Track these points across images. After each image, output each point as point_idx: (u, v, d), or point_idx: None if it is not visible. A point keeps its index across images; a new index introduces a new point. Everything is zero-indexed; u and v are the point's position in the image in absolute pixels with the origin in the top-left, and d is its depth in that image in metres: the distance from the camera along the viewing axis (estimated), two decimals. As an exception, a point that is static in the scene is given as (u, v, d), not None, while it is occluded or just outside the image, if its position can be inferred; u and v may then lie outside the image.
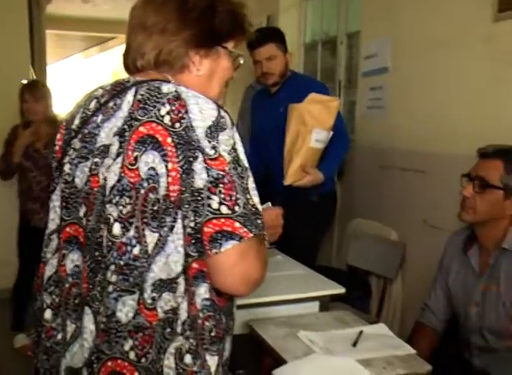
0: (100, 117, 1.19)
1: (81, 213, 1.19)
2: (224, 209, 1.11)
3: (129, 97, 1.16)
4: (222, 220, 1.11)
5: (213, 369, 1.21)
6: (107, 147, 1.15)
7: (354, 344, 1.79)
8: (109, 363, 1.11)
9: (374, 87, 3.53)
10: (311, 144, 2.77)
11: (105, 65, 10.85)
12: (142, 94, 1.15)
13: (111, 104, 1.19)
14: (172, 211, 1.11)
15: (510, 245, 1.96)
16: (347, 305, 2.88)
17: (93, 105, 1.23)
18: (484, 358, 2.08)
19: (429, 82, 3.03)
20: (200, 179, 1.11)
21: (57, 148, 1.29)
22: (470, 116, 2.74)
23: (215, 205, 1.11)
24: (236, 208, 1.12)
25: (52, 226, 1.26)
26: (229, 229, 1.11)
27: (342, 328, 1.94)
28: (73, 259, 1.20)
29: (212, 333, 1.21)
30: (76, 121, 1.24)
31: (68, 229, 1.21)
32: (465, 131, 2.74)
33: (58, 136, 1.29)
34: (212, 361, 1.21)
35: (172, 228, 1.12)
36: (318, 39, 4.79)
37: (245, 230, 1.12)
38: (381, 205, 3.46)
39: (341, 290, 2.19)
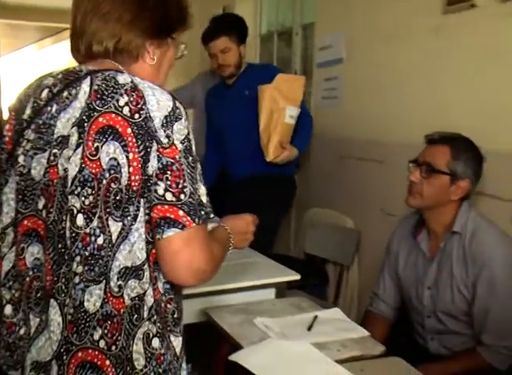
0: (54, 107, 1.18)
1: (40, 205, 1.17)
2: (169, 196, 1.13)
3: (85, 87, 1.16)
4: (166, 207, 1.13)
5: (178, 349, 1.26)
6: (65, 138, 1.14)
7: (309, 329, 1.83)
8: (79, 354, 1.12)
9: (329, 77, 3.57)
10: (285, 120, 2.99)
11: (60, 56, 10.65)
12: (98, 85, 1.15)
13: (65, 94, 1.18)
14: (134, 200, 1.13)
15: (460, 228, 2.02)
16: (305, 292, 2.92)
17: (45, 94, 1.21)
18: (438, 341, 2.14)
19: (382, 73, 3.09)
20: (152, 166, 1.13)
21: (7, 139, 1.26)
22: (421, 105, 2.80)
23: (160, 192, 1.13)
24: (182, 196, 1.14)
25: (7, 220, 1.23)
26: (172, 216, 1.13)
27: (297, 314, 1.97)
28: (33, 252, 1.19)
29: (175, 316, 1.26)
30: (28, 111, 1.22)
31: (26, 222, 1.19)
32: (418, 121, 2.80)
33: (8, 126, 1.27)
34: (177, 342, 1.26)
35: (135, 217, 1.14)
36: (274, 30, 4.81)
37: (188, 218, 1.14)
38: (338, 194, 3.51)
39: (296, 276, 2.22)
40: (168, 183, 1.13)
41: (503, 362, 1.95)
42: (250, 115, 3.07)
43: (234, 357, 1.63)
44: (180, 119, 1.17)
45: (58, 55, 10.83)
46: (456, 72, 2.60)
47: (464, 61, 2.55)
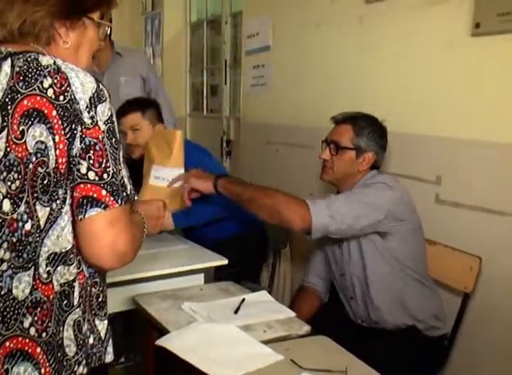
0: None
1: None
2: (91, 175, 1.12)
3: (7, 68, 1.11)
4: (89, 186, 1.12)
5: (103, 333, 1.26)
6: None
7: (236, 312, 1.85)
8: (7, 343, 1.10)
9: (257, 65, 3.59)
10: (150, 181, 2.55)
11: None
12: (20, 66, 1.11)
13: None
14: (62, 183, 1.12)
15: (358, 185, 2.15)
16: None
17: None
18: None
19: (309, 60, 3.13)
20: (75, 147, 1.12)
21: None
22: (348, 91, 2.86)
23: (83, 170, 1.12)
24: (105, 175, 1.13)
25: None
26: (95, 195, 1.12)
27: (225, 298, 1.99)
28: None
29: (99, 299, 1.25)
30: None
31: None
32: (345, 106, 2.84)
33: None
34: (102, 325, 1.26)
35: (64, 200, 1.12)
36: (204, 18, 4.80)
37: (111, 199, 1.13)
38: (268, 180, 3.51)
39: (224, 261, 2.24)
40: (91, 162, 1.12)
41: (320, 216, 2.00)
42: None
43: (161, 341, 1.63)
44: (104, 100, 1.15)
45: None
46: (379, 59, 2.66)
47: (386, 49, 2.61)
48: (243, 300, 1.93)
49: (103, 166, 1.13)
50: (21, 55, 1.14)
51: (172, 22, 4.96)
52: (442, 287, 2.28)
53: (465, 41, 2.21)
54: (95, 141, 1.13)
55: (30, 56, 1.13)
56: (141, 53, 3.72)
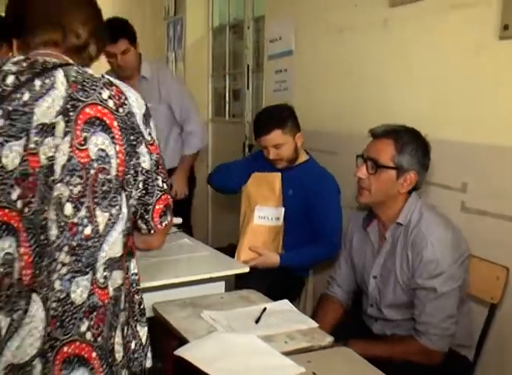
0: (27, 95, 1.14)
1: (14, 196, 1.11)
2: (165, 186, 1.29)
3: (61, 77, 1.16)
4: (165, 196, 1.30)
5: (144, 338, 1.33)
6: (49, 126, 1.12)
7: (257, 321, 1.81)
8: (65, 349, 1.12)
9: (279, 69, 3.56)
10: (255, 221, 2.66)
11: None
12: (75, 76, 1.17)
13: (38, 82, 1.15)
14: (121, 190, 1.19)
15: (403, 220, 2.02)
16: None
17: (11, 80, 1.16)
18: (380, 325, 2.17)
19: (332, 64, 3.09)
20: (147, 161, 1.24)
21: None
22: (371, 96, 2.82)
23: (160, 184, 1.27)
24: (167, 186, 1.30)
25: None
26: (170, 203, 1.33)
27: (246, 306, 1.95)
28: (4, 247, 1.11)
29: (141, 306, 1.34)
30: None
31: None
32: (369, 112, 2.81)
33: None
34: (143, 331, 1.33)
35: (121, 207, 1.19)
36: (226, 23, 4.78)
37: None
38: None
39: (245, 269, 2.21)
40: (162, 175, 1.28)
41: (442, 344, 1.96)
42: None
43: (179, 351, 1.59)
44: (151, 117, 1.28)
45: None
46: (403, 64, 2.61)
47: (411, 53, 2.56)
48: (265, 309, 1.89)
49: (166, 176, 1.31)
50: (70, 66, 1.20)
51: (195, 27, 4.94)
52: (467, 297, 2.22)
53: (493, 43, 2.14)
54: (158, 156, 1.28)
55: (78, 68, 1.20)
56: (169, 78, 3.50)
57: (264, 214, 2.66)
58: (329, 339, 1.73)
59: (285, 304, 1.99)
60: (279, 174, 2.72)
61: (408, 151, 1.98)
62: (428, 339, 1.94)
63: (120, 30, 3.18)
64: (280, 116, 2.72)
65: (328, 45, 3.10)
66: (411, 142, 2.00)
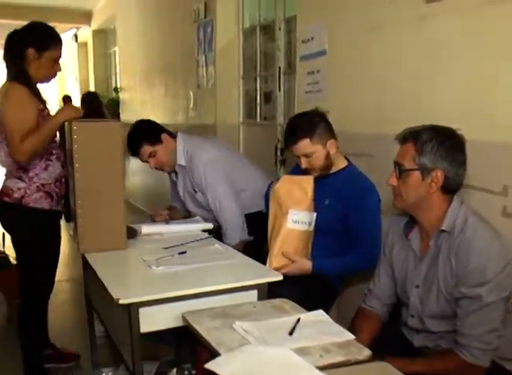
0: None
1: None
2: None
3: None
4: None
5: None
6: None
7: (291, 333, 1.73)
8: None
9: (312, 70, 3.48)
10: (288, 225, 2.54)
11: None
12: None
13: None
14: None
15: (448, 227, 1.93)
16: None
17: None
18: (421, 338, 2.08)
19: (366, 63, 3.01)
20: None
21: None
22: (406, 96, 2.72)
23: None
24: None
25: None
26: None
27: (280, 316, 1.88)
28: None
29: None
30: None
31: None
32: (406, 112, 2.71)
33: None
34: None
35: None
36: (257, 24, 4.72)
37: None
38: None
39: (279, 277, 2.14)
40: None
41: (484, 358, 1.86)
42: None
43: (210, 365, 1.53)
44: None
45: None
46: (440, 62, 2.51)
47: (449, 51, 2.46)
48: (299, 320, 1.82)
49: None
50: None
51: (225, 29, 4.90)
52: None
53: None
54: None
55: None
56: (196, 173, 3.20)
57: (298, 218, 2.55)
58: (367, 353, 1.64)
59: (320, 314, 1.91)
60: (312, 177, 2.62)
61: (429, 150, 1.91)
62: (469, 353, 1.85)
63: (136, 140, 3.18)
64: (308, 124, 2.63)
65: (362, 44, 3.01)
66: (431, 139, 1.91)
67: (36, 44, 2.76)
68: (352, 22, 3.09)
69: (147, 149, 3.16)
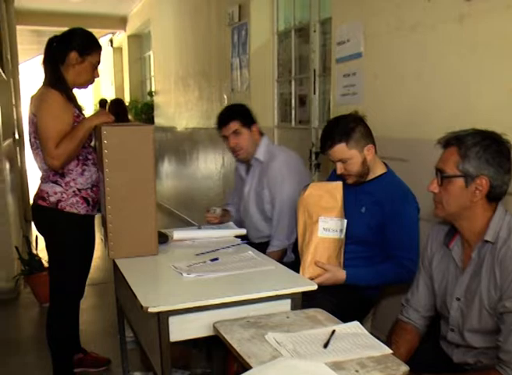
0: None
1: None
2: None
3: None
4: None
5: None
6: None
7: (325, 346, 1.66)
8: None
9: (347, 73, 3.40)
10: (319, 234, 2.46)
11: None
12: None
13: None
14: None
15: (492, 237, 1.82)
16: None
17: None
18: (461, 353, 1.98)
19: (404, 65, 2.92)
20: None
21: None
22: (446, 98, 2.63)
23: None
24: None
25: None
26: None
27: (314, 327, 1.81)
28: None
29: None
30: None
31: None
32: (446, 116, 2.62)
33: None
34: None
35: None
36: (291, 27, 4.66)
37: None
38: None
39: (313, 286, 2.07)
40: None
41: None
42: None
43: (241, 379, 1.48)
44: None
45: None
46: (481, 63, 2.41)
47: (490, 51, 2.36)
48: (334, 332, 1.74)
49: None
50: None
51: (259, 31, 4.85)
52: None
53: None
54: None
55: None
56: (272, 178, 3.16)
57: (329, 226, 2.46)
58: (405, 368, 1.56)
59: (355, 326, 1.83)
60: (340, 183, 2.53)
61: (473, 155, 1.80)
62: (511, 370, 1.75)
63: (231, 113, 3.21)
64: (345, 128, 2.54)
65: (399, 45, 2.93)
66: (476, 144, 1.81)
67: (79, 49, 2.77)
68: (388, 22, 3.00)
69: (235, 125, 3.15)
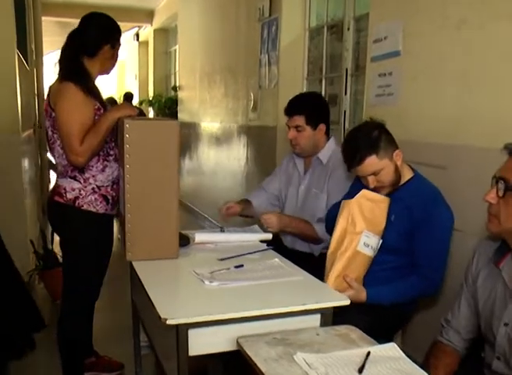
0: None
1: None
2: None
3: None
4: None
5: None
6: None
7: (360, 370, 1.50)
8: None
9: (383, 72, 3.22)
10: (358, 247, 2.26)
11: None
12: None
13: None
14: None
15: None
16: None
17: None
18: None
19: (446, 65, 2.74)
20: None
21: None
22: (492, 102, 2.45)
23: None
24: None
25: None
26: None
27: (346, 348, 1.65)
28: None
29: None
30: None
31: None
32: (492, 120, 2.44)
33: None
34: None
35: None
36: (324, 23, 4.50)
37: None
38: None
39: (346, 301, 1.90)
40: None
41: None
42: None
43: (268, 407, 1.32)
44: None
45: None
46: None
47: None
48: (369, 353, 1.58)
49: None
50: None
51: (290, 27, 4.69)
52: None
53: None
54: None
55: None
56: (335, 182, 3.00)
57: (369, 242, 2.26)
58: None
59: (391, 348, 1.66)
60: (388, 199, 2.34)
61: None
62: None
63: (303, 104, 3.03)
64: (370, 139, 2.33)
65: (442, 44, 2.75)
66: None
67: (112, 42, 2.70)
68: (431, 19, 2.82)
69: (299, 120, 2.98)
